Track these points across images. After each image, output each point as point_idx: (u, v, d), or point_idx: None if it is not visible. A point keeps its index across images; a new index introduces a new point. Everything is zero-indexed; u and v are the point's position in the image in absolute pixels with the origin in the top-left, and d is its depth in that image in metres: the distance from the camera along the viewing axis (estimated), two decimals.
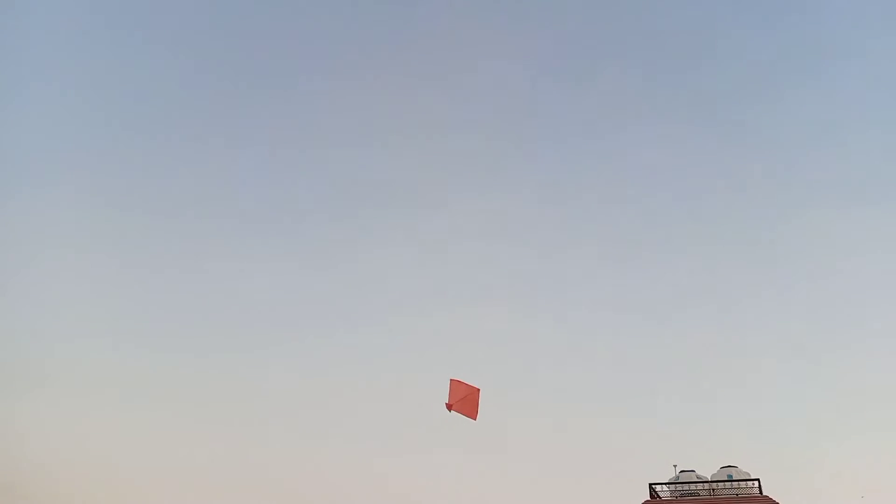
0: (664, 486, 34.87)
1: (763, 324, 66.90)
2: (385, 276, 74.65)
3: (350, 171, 78.65)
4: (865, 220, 68.04)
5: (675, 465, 35.86)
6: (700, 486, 34.39)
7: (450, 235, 76.22)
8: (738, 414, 58.64)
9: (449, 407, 18.89)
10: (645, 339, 68.70)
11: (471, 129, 76.88)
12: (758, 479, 33.64)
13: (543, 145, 75.83)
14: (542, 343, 69.42)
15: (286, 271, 74.09)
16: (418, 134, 76.23)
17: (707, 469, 35.55)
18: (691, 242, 72.23)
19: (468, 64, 76.24)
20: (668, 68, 75.12)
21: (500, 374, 66.78)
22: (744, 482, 33.75)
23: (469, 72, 75.92)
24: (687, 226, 72.82)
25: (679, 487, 34.64)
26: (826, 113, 70.79)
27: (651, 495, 34.34)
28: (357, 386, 70.14)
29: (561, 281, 73.33)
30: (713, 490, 33.95)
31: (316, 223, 76.31)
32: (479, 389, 19.03)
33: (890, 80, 69.44)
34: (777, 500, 31.34)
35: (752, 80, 73.00)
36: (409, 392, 68.40)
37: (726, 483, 33.96)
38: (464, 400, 18.94)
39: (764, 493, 32.63)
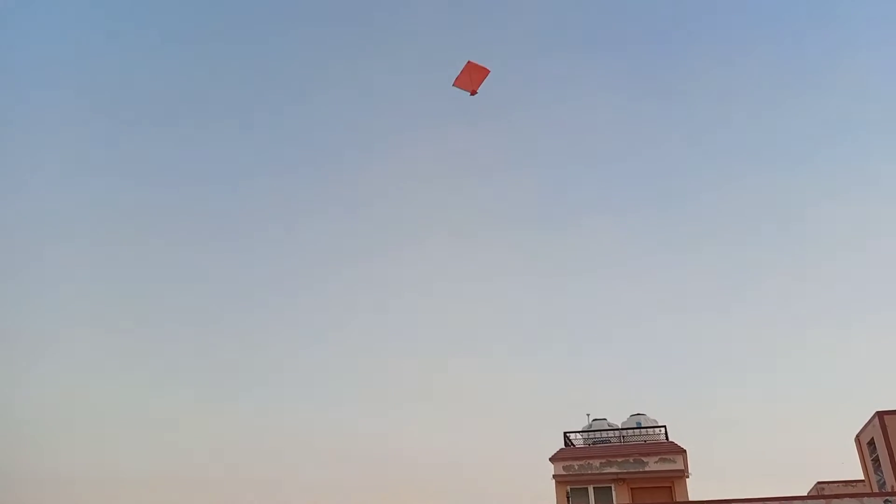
0: (577, 434, 36.14)
1: (666, 278, 69.86)
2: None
3: None
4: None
5: (588, 414, 37.14)
6: (611, 434, 35.79)
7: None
8: (651, 365, 61.55)
9: (474, 92, 21.02)
10: (559, 294, 70.63)
11: None
12: (664, 426, 35.26)
13: None
14: (457, 297, 70.39)
15: None
16: None
17: (618, 417, 36.99)
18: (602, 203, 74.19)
19: None
20: None
21: (414, 325, 67.52)
22: (651, 429, 35.30)
23: None
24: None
25: (591, 435, 35.95)
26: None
27: (566, 443, 35.54)
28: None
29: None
30: (623, 437, 35.40)
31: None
32: (468, 61, 21.34)
33: None
34: (681, 445, 33.03)
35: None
36: (328, 345, 68.11)
37: (635, 430, 35.43)
38: (473, 78, 21.15)
39: (670, 439, 34.28)
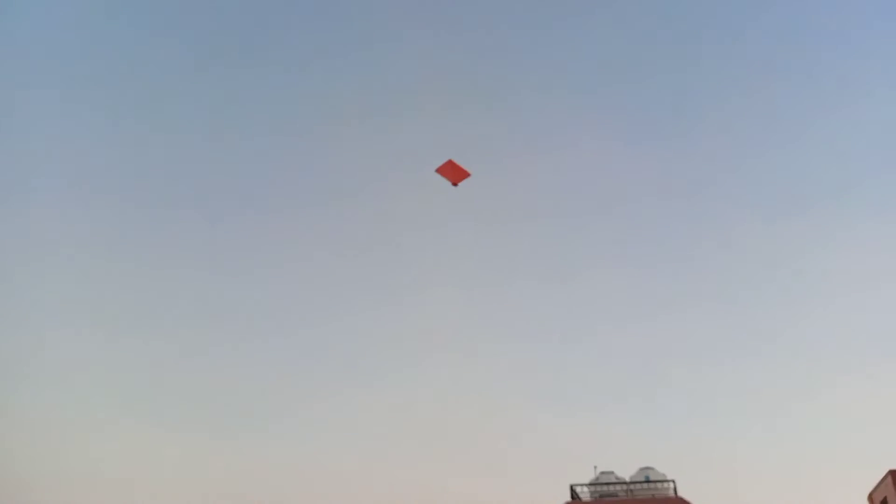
0: (584, 486, 35.64)
1: (679, 332, 69.46)
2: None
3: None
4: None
5: (595, 467, 36.74)
6: (619, 488, 35.30)
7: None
8: (661, 418, 60.66)
9: (455, 183, 23.48)
10: (568, 345, 70.17)
11: None
12: (673, 481, 34.81)
13: None
14: (466, 343, 70.12)
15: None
16: None
17: (626, 470, 36.57)
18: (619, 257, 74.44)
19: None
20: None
21: (423, 374, 67.11)
22: (660, 483, 34.84)
23: None
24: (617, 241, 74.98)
25: (598, 488, 35.47)
26: None
27: (572, 496, 35.04)
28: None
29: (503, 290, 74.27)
30: (631, 491, 34.91)
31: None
32: (450, 159, 23.61)
33: None
34: (690, 501, 32.52)
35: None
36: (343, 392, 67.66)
37: (643, 484, 34.96)
38: (455, 173, 23.45)
39: (679, 494, 33.77)
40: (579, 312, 71.92)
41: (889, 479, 26.65)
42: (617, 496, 34.84)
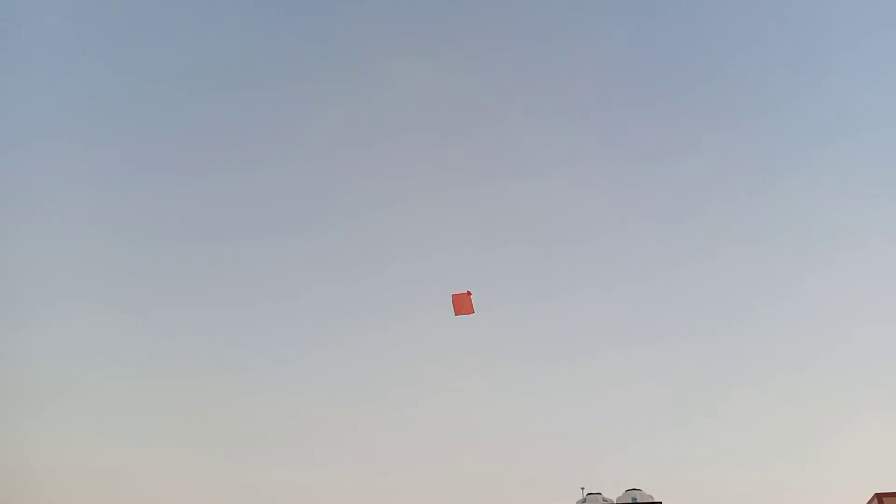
0: None
1: (667, 352, 69.51)
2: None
3: None
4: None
5: (582, 488, 36.69)
6: None
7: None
8: (649, 439, 60.51)
9: (472, 311, 23.53)
10: (552, 365, 70.00)
11: None
12: (660, 503, 34.76)
13: None
14: (451, 359, 69.75)
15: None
16: None
17: (613, 492, 36.53)
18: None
19: None
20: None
21: (405, 396, 66.48)
22: None
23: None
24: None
25: None
26: None
27: None
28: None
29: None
30: None
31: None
32: (452, 294, 23.82)
33: None
34: None
35: None
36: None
37: None
38: (464, 303, 23.52)
39: None
40: (568, 333, 71.94)
41: (875, 502, 26.70)
42: None
